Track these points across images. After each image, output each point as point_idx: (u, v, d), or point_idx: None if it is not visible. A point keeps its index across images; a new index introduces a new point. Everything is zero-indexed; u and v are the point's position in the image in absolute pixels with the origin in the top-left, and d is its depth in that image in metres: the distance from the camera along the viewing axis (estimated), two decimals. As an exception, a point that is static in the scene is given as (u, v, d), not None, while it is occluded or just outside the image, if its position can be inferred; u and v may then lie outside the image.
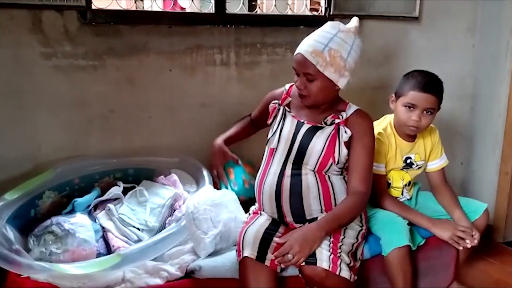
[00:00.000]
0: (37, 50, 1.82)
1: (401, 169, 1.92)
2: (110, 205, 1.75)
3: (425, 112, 1.78)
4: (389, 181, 1.92)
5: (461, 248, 1.74)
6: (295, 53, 1.59)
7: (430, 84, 1.78)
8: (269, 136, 1.70)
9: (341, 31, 1.57)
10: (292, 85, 1.72)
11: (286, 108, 1.69)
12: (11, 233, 1.55)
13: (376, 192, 1.84)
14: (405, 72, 1.90)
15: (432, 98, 1.77)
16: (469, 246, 1.72)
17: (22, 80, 1.82)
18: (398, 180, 1.92)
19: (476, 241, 1.73)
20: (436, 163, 1.95)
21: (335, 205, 1.65)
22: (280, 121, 1.68)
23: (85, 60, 1.90)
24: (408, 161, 1.91)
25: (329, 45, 1.54)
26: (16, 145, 1.85)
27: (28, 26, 1.79)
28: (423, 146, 1.92)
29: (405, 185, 1.94)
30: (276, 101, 1.71)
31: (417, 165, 1.93)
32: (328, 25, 1.59)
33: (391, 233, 1.70)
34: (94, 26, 1.89)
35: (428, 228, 1.78)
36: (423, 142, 1.92)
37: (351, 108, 1.66)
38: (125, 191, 1.85)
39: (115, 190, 1.83)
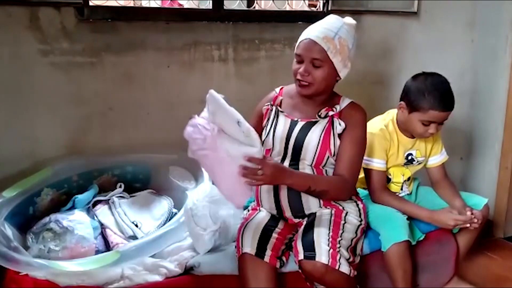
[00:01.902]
0: (34, 47, 1.82)
1: (402, 165, 1.92)
2: (115, 198, 1.77)
3: (441, 123, 1.81)
4: (390, 176, 1.92)
5: (472, 228, 1.74)
6: (301, 39, 1.58)
7: (449, 101, 1.78)
8: (263, 138, 1.69)
9: (346, 24, 1.60)
10: (282, 88, 1.73)
11: (279, 108, 1.68)
12: (9, 231, 1.55)
13: (375, 187, 1.84)
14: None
15: (449, 113, 1.78)
16: (472, 228, 1.74)
17: (19, 77, 1.82)
18: (398, 175, 1.92)
19: (478, 220, 1.74)
20: (437, 159, 1.95)
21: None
22: (273, 121, 1.67)
23: (83, 57, 1.89)
24: (409, 157, 1.91)
25: (339, 34, 1.56)
26: (14, 142, 1.84)
27: (25, 23, 1.79)
28: (424, 143, 1.92)
29: (405, 180, 1.94)
30: (268, 103, 1.71)
31: (417, 161, 1.93)
32: (332, 17, 1.62)
33: (390, 229, 1.70)
34: (92, 22, 1.89)
35: (428, 220, 1.77)
36: (424, 138, 1.91)
37: (345, 101, 1.66)
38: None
39: (116, 193, 1.84)
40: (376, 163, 1.83)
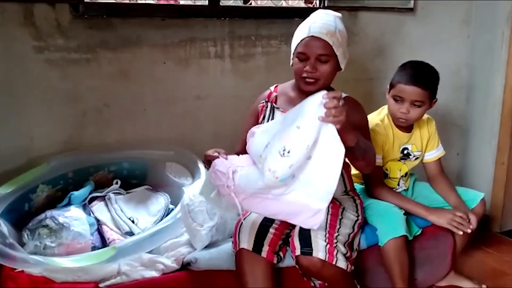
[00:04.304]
0: (29, 43, 1.80)
1: (399, 160, 1.92)
2: (111, 194, 1.77)
3: (413, 104, 1.77)
4: (387, 172, 1.92)
5: (460, 233, 1.74)
6: (302, 37, 1.57)
7: (418, 76, 1.76)
8: None
9: (337, 16, 1.61)
10: (277, 86, 1.73)
11: (274, 104, 1.68)
12: (5, 228, 1.54)
13: (372, 182, 1.84)
14: (400, 64, 1.90)
15: (418, 90, 1.75)
16: (468, 231, 1.73)
17: (14, 74, 1.81)
18: (395, 171, 1.92)
19: (473, 226, 1.74)
20: (433, 154, 1.95)
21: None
22: (269, 117, 1.67)
23: (78, 54, 1.88)
24: (405, 151, 1.91)
25: (338, 27, 1.57)
26: (9, 139, 1.83)
27: (19, 20, 1.78)
28: (419, 137, 1.92)
29: (402, 176, 1.94)
30: (263, 101, 1.71)
31: (414, 156, 1.92)
32: (323, 12, 1.62)
33: (388, 223, 1.70)
34: (87, 19, 1.88)
35: (425, 216, 1.78)
36: (420, 132, 1.92)
37: None
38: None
39: (112, 189, 1.83)
40: None
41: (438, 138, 1.96)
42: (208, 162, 1.51)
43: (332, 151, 1.24)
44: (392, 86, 1.82)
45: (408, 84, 1.75)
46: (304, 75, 1.56)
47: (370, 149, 1.53)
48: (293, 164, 1.24)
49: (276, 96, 1.70)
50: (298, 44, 1.58)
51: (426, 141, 1.93)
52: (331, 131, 1.23)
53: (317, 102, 1.23)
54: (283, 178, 1.26)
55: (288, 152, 1.22)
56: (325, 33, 1.54)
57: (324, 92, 1.23)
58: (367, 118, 1.71)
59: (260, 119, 1.71)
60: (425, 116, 1.92)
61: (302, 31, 1.58)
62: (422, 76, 1.77)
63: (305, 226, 1.37)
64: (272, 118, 1.66)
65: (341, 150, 1.24)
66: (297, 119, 1.24)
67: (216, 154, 1.48)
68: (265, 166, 1.26)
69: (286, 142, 1.23)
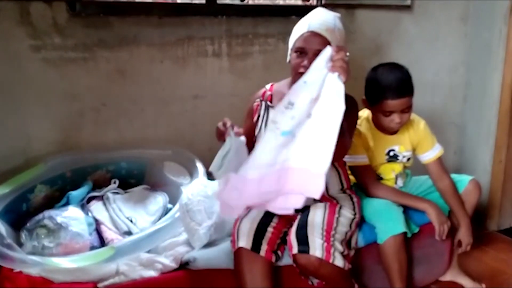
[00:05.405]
0: (25, 42, 1.80)
1: (388, 162, 1.91)
2: (109, 194, 1.77)
3: (403, 112, 1.77)
4: (381, 176, 1.91)
5: (437, 238, 1.76)
6: (301, 32, 1.56)
7: (401, 87, 1.74)
8: (256, 133, 1.70)
9: (336, 16, 1.61)
10: (273, 85, 1.73)
11: (268, 103, 1.68)
12: (2, 228, 1.54)
13: (366, 182, 1.83)
14: (396, 61, 1.87)
15: (406, 100, 1.74)
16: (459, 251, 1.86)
17: (11, 73, 1.80)
18: (389, 172, 1.91)
19: (462, 249, 1.87)
20: (430, 154, 1.91)
21: (327, 192, 1.67)
22: (263, 116, 1.68)
23: (75, 53, 1.88)
24: (392, 153, 1.89)
25: (336, 25, 1.57)
26: (6, 139, 1.83)
27: (16, 18, 1.77)
28: (407, 136, 1.89)
29: (397, 175, 1.93)
30: (258, 99, 1.71)
31: (404, 156, 1.90)
32: (323, 10, 1.62)
33: (387, 221, 1.70)
34: (84, 17, 1.87)
35: (425, 209, 1.77)
36: (408, 132, 1.89)
37: None
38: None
39: (111, 188, 1.83)
40: (360, 159, 1.82)
41: (433, 137, 1.92)
42: (220, 134, 1.56)
43: (331, 109, 1.29)
44: (375, 102, 1.78)
45: (395, 98, 1.73)
46: (301, 70, 1.54)
47: (346, 135, 1.51)
48: (294, 116, 1.31)
49: (271, 95, 1.69)
50: (297, 39, 1.57)
51: (416, 140, 1.90)
52: (336, 87, 1.30)
53: (325, 58, 1.34)
54: (284, 131, 1.33)
55: (292, 104, 1.31)
56: (325, 29, 1.54)
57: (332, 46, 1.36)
58: (357, 116, 1.71)
59: (255, 118, 1.71)
60: (414, 116, 1.91)
61: (301, 26, 1.58)
62: (404, 85, 1.76)
63: (307, 194, 1.34)
64: (267, 117, 1.66)
65: (341, 107, 1.27)
66: (304, 76, 1.35)
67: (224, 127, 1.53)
68: (270, 118, 1.35)
69: (291, 96, 1.34)
